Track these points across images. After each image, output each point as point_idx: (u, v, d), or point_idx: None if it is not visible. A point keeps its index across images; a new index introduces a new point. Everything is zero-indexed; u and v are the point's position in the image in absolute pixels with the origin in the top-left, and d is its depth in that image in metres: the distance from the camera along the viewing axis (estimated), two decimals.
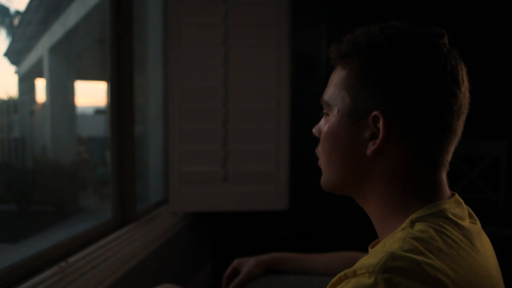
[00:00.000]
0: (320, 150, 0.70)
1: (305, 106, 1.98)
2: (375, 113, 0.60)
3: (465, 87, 0.62)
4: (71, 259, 1.25)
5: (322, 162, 0.70)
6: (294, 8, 2.12)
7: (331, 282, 0.55)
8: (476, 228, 0.63)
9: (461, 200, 0.65)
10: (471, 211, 0.66)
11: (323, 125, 0.68)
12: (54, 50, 2.08)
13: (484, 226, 0.66)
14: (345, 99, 0.64)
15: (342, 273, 0.53)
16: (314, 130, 0.72)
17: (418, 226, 0.57)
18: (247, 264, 1.12)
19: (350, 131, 0.63)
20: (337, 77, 0.66)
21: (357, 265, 0.53)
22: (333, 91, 0.66)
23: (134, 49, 1.74)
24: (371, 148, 0.62)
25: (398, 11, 2.64)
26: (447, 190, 0.64)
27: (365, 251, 0.73)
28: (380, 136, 0.60)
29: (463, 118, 0.63)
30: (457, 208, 0.62)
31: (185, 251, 2.25)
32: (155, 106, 2.40)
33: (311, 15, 2.61)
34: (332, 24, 2.61)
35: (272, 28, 2.06)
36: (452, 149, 0.64)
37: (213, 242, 2.64)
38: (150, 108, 2.41)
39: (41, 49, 2.05)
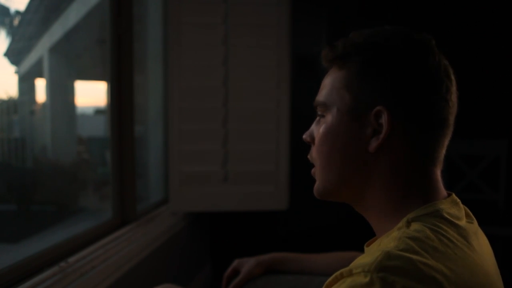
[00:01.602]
0: (315, 154, 0.68)
1: (305, 106, 1.98)
2: (378, 108, 0.61)
3: (455, 86, 0.65)
4: (71, 259, 1.25)
5: (318, 166, 0.68)
6: (294, 8, 2.12)
7: (327, 281, 0.55)
8: (472, 227, 0.63)
9: (458, 200, 0.65)
10: (468, 210, 0.67)
11: (319, 127, 0.67)
12: (54, 50, 2.09)
13: (484, 226, 0.67)
14: (345, 97, 0.64)
15: (338, 273, 0.53)
16: (305, 136, 0.71)
17: (414, 225, 0.58)
18: (247, 264, 1.12)
19: (351, 128, 0.63)
20: (333, 78, 0.67)
21: (352, 264, 0.53)
22: (330, 92, 0.66)
23: (134, 49, 1.74)
24: (374, 143, 0.62)
25: (398, 11, 2.64)
26: (442, 189, 0.65)
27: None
28: (383, 131, 0.61)
29: (455, 114, 0.65)
30: (454, 208, 0.63)
31: (185, 251, 2.26)
32: (155, 106, 2.40)
33: (311, 15, 2.61)
34: (332, 24, 2.60)
35: (272, 28, 2.06)
36: (446, 144, 0.66)
37: (213, 242, 2.64)
38: (150, 108, 2.41)
39: (41, 49, 2.05)
